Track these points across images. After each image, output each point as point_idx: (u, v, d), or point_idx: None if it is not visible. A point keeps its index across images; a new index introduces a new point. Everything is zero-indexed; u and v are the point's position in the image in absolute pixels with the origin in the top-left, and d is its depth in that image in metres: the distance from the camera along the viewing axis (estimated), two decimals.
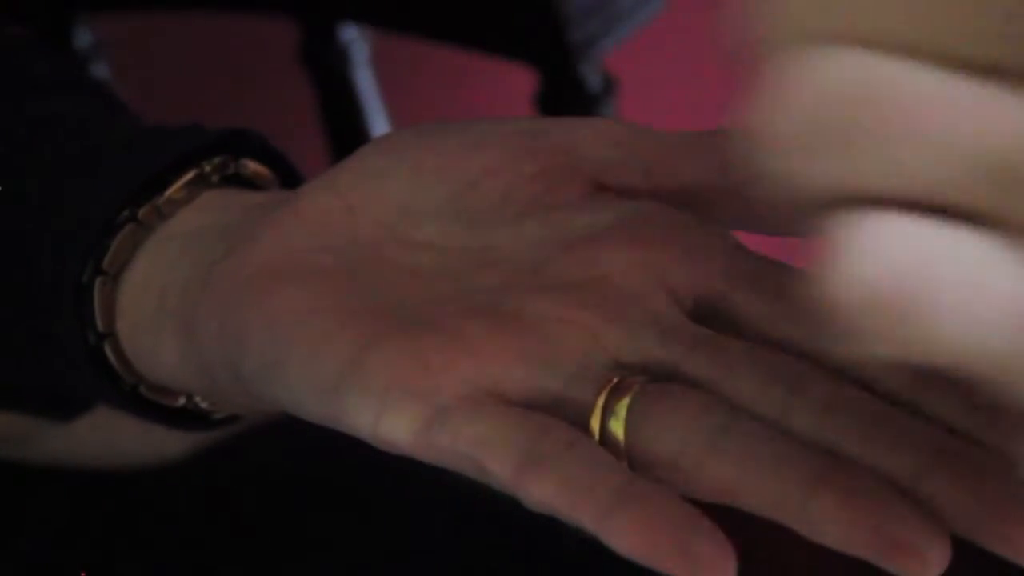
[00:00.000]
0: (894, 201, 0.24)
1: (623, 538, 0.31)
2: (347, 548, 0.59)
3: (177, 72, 0.97)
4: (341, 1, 0.75)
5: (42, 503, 0.59)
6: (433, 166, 0.38)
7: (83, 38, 0.81)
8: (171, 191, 0.41)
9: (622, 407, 0.34)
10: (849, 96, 0.23)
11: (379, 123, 0.78)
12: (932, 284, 0.23)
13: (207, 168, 0.42)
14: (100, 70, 0.81)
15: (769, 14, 0.25)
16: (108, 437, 0.51)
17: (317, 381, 0.35)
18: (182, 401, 0.42)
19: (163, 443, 0.54)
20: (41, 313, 0.41)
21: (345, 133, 0.79)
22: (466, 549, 0.59)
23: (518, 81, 0.76)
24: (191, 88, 0.97)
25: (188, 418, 0.42)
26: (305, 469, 0.61)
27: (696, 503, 0.32)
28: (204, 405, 0.42)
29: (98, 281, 0.40)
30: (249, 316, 0.36)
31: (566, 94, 0.71)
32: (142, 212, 0.40)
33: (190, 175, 0.41)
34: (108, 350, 0.40)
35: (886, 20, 0.24)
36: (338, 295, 0.36)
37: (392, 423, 0.34)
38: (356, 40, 0.78)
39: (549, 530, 0.60)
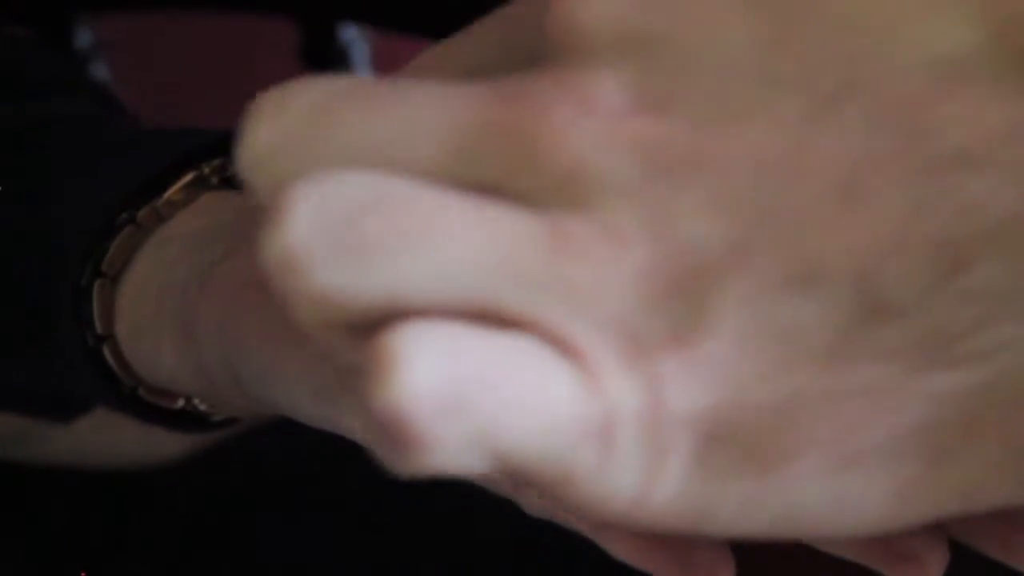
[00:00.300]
0: (435, 310, 0.24)
1: (620, 545, 0.31)
2: (347, 548, 0.59)
3: (177, 72, 0.97)
4: (341, 1, 0.75)
5: (42, 503, 0.59)
6: None
7: (83, 38, 0.80)
8: (170, 193, 0.41)
9: None
10: (361, 208, 0.24)
11: None
12: (480, 391, 0.24)
13: (206, 170, 0.42)
14: (100, 70, 0.81)
15: (271, 144, 0.25)
16: (108, 437, 0.51)
17: (314, 384, 0.35)
18: (181, 403, 0.42)
19: (163, 443, 0.54)
20: (40, 315, 0.41)
21: None
22: (466, 549, 0.59)
23: None
24: (191, 88, 0.97)
25: (187, 420, 0.42)
26: (305, 469, 0.61)
27: None
28: (203, 407, 0.42)
29: (97, 283, 0.40)
30: (246, 319, 0.36)
31: None
32: (141, 214, 0.40)
33: (189, 177, 0.41)
34: (107, 352, 0.40)
35: (384, 144, 0.25)
36: None
37: None
38: (356, 40, 0.78)
39: (549, 531, 0.60)
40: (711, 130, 0.25)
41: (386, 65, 0.79)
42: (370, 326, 0.24)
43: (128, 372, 0.41)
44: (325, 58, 0.77)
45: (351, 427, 0.34)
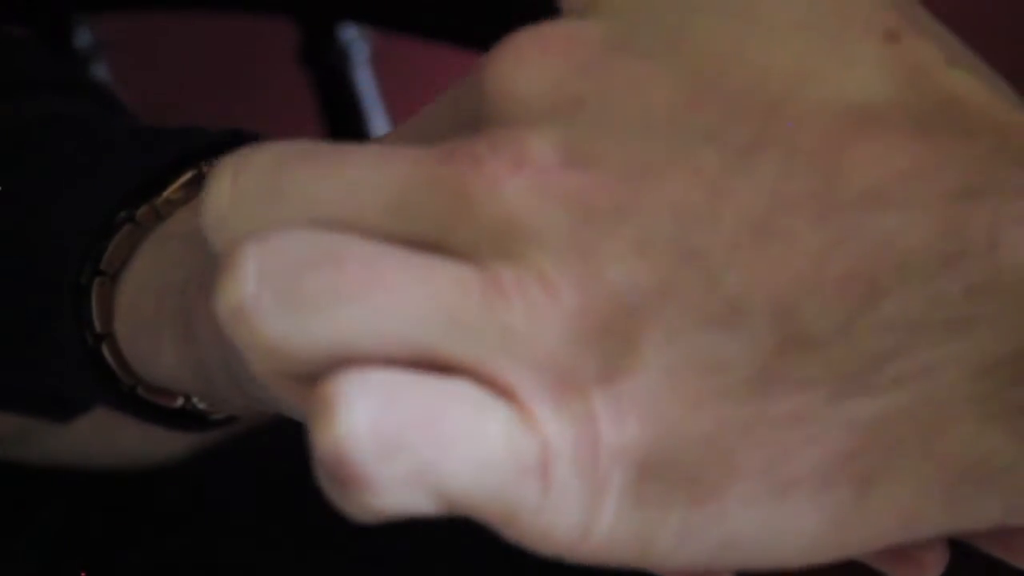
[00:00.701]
0: (376, 358, 0.26)
1: None
2: (347, 548, 0.59)
3: (177, 72, 0.97)
4: (341, 1, 0.75)
5: (42, 503, 0.59)
6: None
7: (83, 38, 0.80)
8: (169, 192, 0.41)
9: None
10: (302, 263, 0.26)
11: (379, 123, 0.78)
12: (417, 431, 0.25)
13: (205, 169, 0.42)
14: (100, 70, 0.81)
15: (221, 207, 0.27)
16: (108, 437, 0.51)
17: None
18: (180, 402, 0.42)
19: (162, 443, 0.54)
20: (39, 314, 0.41)
21: (345, 133, 0.79)
22: (467, 549, 0.59)
23: None
24: (191, 88, 0.97)
25: (186, 419, 0.42)
26: (305, 469, 0.61)
27: None
28: (202, 406, 0.42)
29: (96, 282, 0.40)
30: None
31: None
32: (140, 213, 0.40)
33: (188, 176, 0.41)
34: (106, 351, 0.40)
35: (330, 202, 0.27)
36: None
37: None
38: (356, 40, 0.78)
39: None
40: (633, 182, 0.26)
41: (386, 65, 0.79)
42: (317, 374, 0.26)
43: (127, 371, 0.41)
44: (325, 58, 0.78)
45: None
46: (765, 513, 0.27)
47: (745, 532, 0.27)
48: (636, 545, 0.27)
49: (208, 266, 0.39)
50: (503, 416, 0.26)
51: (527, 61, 0.27)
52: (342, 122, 0.79)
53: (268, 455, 0.61)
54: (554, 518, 0.26)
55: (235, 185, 0.27)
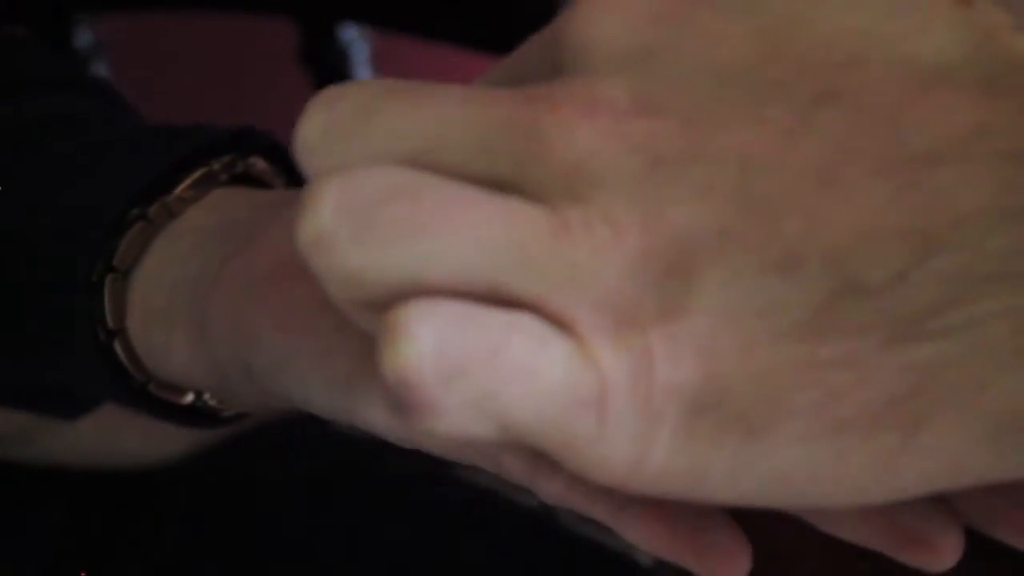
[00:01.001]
0: (446, 290, 0.27)
1: (638, 531, 0.32)
2: (347, 548, 0.59)
3: (177, 72, 0.97)
4: (341, 1, 0.75)
5: (42, 503, 0.59)
6: None
7: (83, 38, 0.80)
8: (180, 189, 0.41)
9: None
10: (381, 196, 0.27)
11: None
12: (480, 359, 0.26)
13: (215, 166, 0.42)
14: (100, 70, 0.81)
15: (312, 141, 0.29)
16: (110, 437, 0.51)
17: (328, 377, 0.35)
18: (191, 398, 0.42)
19: (164, 443, 0.54)
20: (51, 310, 0.41)
21: None
22: (467, 550, 0.59)
23: None
24: (191, 88, 0.97)
25: (197, 416, 0.42)
26: (305, 469, 0.61)
27: None
28: (213, 402, 0.42)
29: (108, 278, 0.40)
30: (260, 313, 0.36)
31: None
32: (152, 210, 0.41)
33: (199, 173, 0.41)
34: (118, 347, 0.40)
35: (414, 139, 0.28)
36: None
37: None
38: (356, 40, 0.78)
39: (547, 533, 0.60)
40: (701, 130, 0.27)
41: (386, 65, 0.79)
42: (390, 302, 0.27)
43: (139, 367, 0.41)
44: (325, 58, 0.78)
45: (365, 418, 0.35)
46: (814, 452, 0.27)
47: (795, 470, 0.27)
48: (688, 478, 0.28)
49: (250, 224, 0.40)
50: (564, 349, 0.27)
51: (605, 10, 0.28)
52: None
53: (268, 455, 0.61)
54: (609, 449, 0.27)
55: (327, 118, 0.28)
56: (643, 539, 0.32)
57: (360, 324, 0.29)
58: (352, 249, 0.27)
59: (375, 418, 0.35)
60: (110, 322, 0.40)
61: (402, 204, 0.27)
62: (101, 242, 0.40)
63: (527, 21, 0.71)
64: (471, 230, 0.27)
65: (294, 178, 0.44)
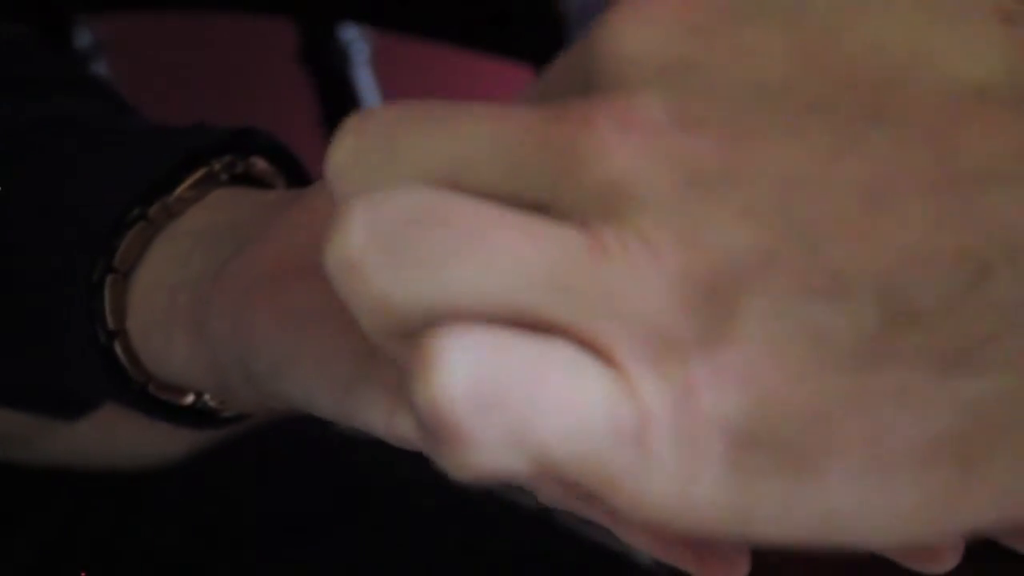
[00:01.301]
0: (478, 315, 0.26)
1: (638, 534, 0.31)
2: (347, 548, 0.59)
3: (177, 72, 0.97)
4: (341, 1, 0.75)
5: (42, 503, 0.59)
6: None
7: (83, 38, 0.80)
8: (181, 189, 0.41)
9: None
10: (412, 219, 0.26)
11: None
12: (515, 390, 0.25)
13: (216, 167, 0.42)
14: (100, 70, 0.81)
15: (340, 158, 0.28)
16: (109, 437, 0.51)
17: (329, 378, 0.35)
18: (191, 399, 0.42)
19: (164, 443, 0.54)
20: (52, 310, 0.41)
21: None
22: (467, 550, 0.59)
23: (518, 81, 0.76)
24: (191, 88, 0.97)
25: (197, 416, 0.42)
26: (305, 470, 0.61)
27: None
28: (213, 403, 0.42)
29: (109, 279, 0.40)
30: (260, 314, 0.36)
31: None
32: (152, 210, 0.41)
33: (199, 174, 0.41)
34: (118, 348, 0.40)
35: (446, 160, 0.27)
36: None
37: (405, 419, 0.34)
38: (356, 40, 0.78)
39: (548, 533, 0.60)
40: (742, 146, 0.26)
41: (386, 65, 0.79)
42: (422, 330, 0.26)
43: (139, 368, 0.41)
44: (325, 58, 0.78)
45: (366, 421, 0.35)
46: (866, 489, 0.26)
47: (845, 507, 0.26)
48: (734, 516, 0.26)
49: (251, 224, 0.39)
50: (601, 379, 0.26)
51: (639, 22, 0.27)
52: (342, 122, 0.79)
53: (268, 455, 0.61)
54: (651, 485, 0.26)
55: (356, 141, 0.28)
56: (643, 542, 0.31)
57: (390, 352, 0.28)
58: (382, 274, 0.26)
59: (376, 421, 0.35)
60: (110, 323, 0.40)
61: (433, 227, 0.26)
62: (101, 242, 0.40)
63: (527, 21, 0.71)
64: (504, 253, 0.26)
65: (295, 178, 0.44)
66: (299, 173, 0.44)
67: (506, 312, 0.26)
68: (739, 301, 0.26)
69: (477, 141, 0.27)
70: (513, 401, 0.25)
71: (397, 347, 0.27)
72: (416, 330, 0.26)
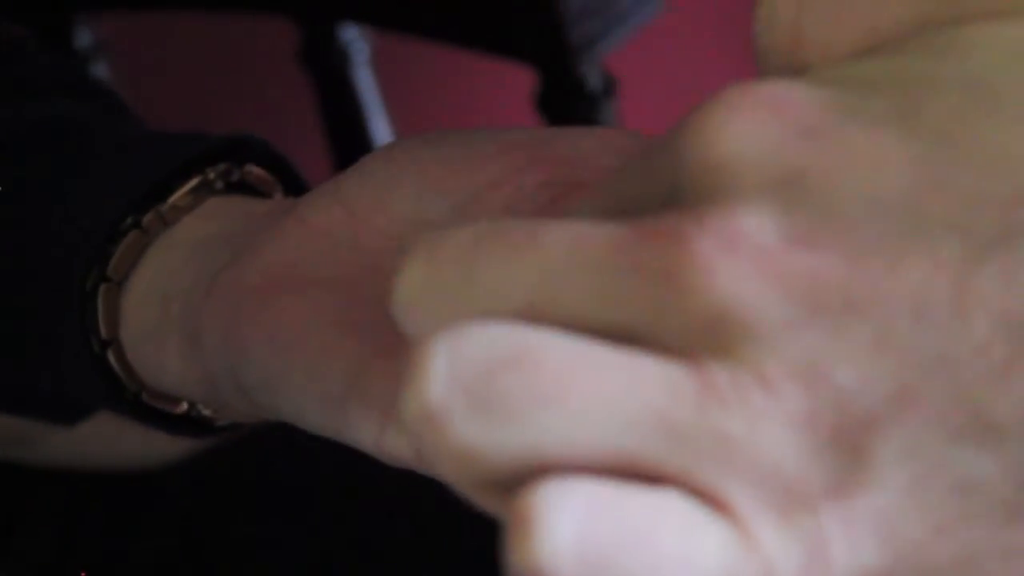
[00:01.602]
0: (578, 466, 0.23)
1: None
2: (348, 547, 0.59)
3: (177, 72, 0.97)
4: (341, 1, 0.75)
5: (42, 503, 0.59)
6: (438, 176, 0.37)
7: (83, 38, 0.80)
8: (175, 198, 0.41)
9: None
10: (497, 363, 0.23)
11: (379, 123, 0.78)
12: (624, 552, 0.23)
13: (211, 175, 0.42)
14: (100, 70, 0.81)
15: (408, 299, 0.25)
16: (110, 440, 0.51)
17: (319, 393, 0.35)
18: (184, 408, 0.42)
19: (164, 445, 0.54)
20: (45, 318, 0.41)
21: (345, 133, 0.79)
22: (467, 550, 0.59)
23: (518, 81, 0.76)
24: (191, 88, 0.97)
25: (190, 425, 0.42)
26: (305, 470, 0.61)
27: None
28: (206, 413, 0.42)
29: (102, 288, 0.40)
30: (251, 327, 0.36)
31: (566, 94, 0.71)
32: (146, 219, 0.40)
33: (194, 182, 0.41)
34: (111, 357, 0.40)
35: (525, 289, 0.24)
36: (341, 306, 0.36)
37: (395, 436, 0.34)
38: (356, 40, 0.78)
39: None
40: (865, 271, 0.23)
41: (386, 65, 0.79)
42: (514, 481, 0.24)
43: (132, 377, 0.41)
44: (325, 58, 0.78)
45: (356, 437, 0.35)
46: None
47: None
48: None
49: (245, 234, 0.38)
50: (719, 534, 0.23)
51: (737, 124, 0.24)
52: (342, 122, 0.79)
53: (268, 455, 0.61)
54: None
55: (428, 270, 0.25)
56: None
57: (481, 503, 0.25)
58: (468, 426, 0.23)
59: (365, 438, 0.34)
60: (103, 332, 0.40)
61: (521, 371, 0.23)
62: (95, 251, 0.40)
63: (527, 21, 0.71)
64: (602, 398, 0.23)
65: (292, 186, 0.44)
66: (296, 181, 0.44)
67: (608, 461, 0.23)
68: (872, 444, 0.23)
69: (560, 266, 0.24)
70: (622, 563, 0.23)
71: (488, 498, 0.24)
72: (509, 481, 0.24)
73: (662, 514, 0.23)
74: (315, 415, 0.35)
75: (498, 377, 0.23)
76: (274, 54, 0.81)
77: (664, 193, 0.26)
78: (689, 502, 0.23)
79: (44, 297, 0.41)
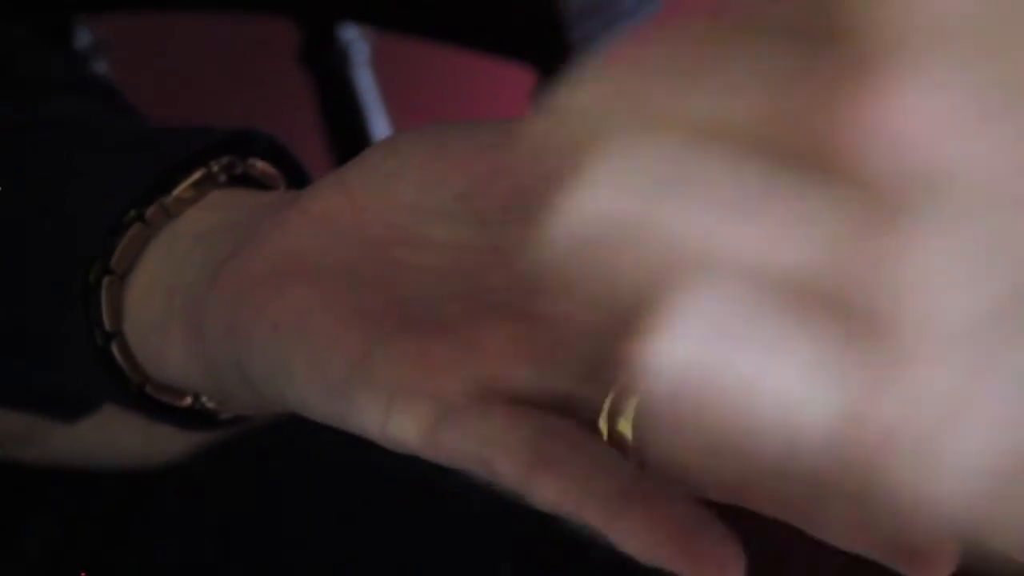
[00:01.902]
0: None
1: (629, 538, 0.31)
2: (348, 548, 0.59)
3: (177, 72, 0.97)
4: (341, 1, 0.75)
5: (42, 503, 0.59)
6: (441, 166, 0.38)
7: (83, 38, 0.80)
8: (179, 191, 0.41)
9: (630, 407, 0.34)
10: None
11: (379, 123, 0.78)
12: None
13: (215, 168, 0.42)
14: (100, 70, 0.81)
15: None
16: (110, 437, 0.51)
17: (324, 382, 0.35)
18: (189, 400, 0.42)
19: (165, 443, 0.54)
20: (49, 312, 0.41)
21: (345, 133, 0.79)
22: (467, 549, 0.59)
23: (518, 81, 0.76)
24: (191, 88, 0.97)
25: (195, 418, 0.42)
26: (305, 469, 0.61)
27: (708, 503, 0.32)
28: (211, 405, 0.42)
29: (106, 280, 0.40)
30: (256, 317, 0.36)
31: None
32: (149, 212, 0.41)
33: (198, 175, 0.41)
34: (115, 350, 0.40)
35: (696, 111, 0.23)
36: (345, 295, 0.36)
37: (400, 423, 0.34)
38: (356, 40, 0.78)
39: (544, 535, 0.60)
40: None
41: (386, 65, 0.79)
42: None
43: (136, 369, 0.41)
44: (325, 58, 0.78)
45: (361, 424, 0.35)
46: None
47: None
48: None
49: (248, 226, 0.38)
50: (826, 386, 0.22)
51: None
52: (342, 122, 0.79)
53: (268, 455, 0.61)
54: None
55: (592, 85, 0.24)
56: (636, 548, 0.31)
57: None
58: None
59: (370, 424, 0.35)
60: (107, 324, 0.40)
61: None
62: (98, 244, 0.40)
63: (527, 21, 0.71)
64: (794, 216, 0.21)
65: (295, 179, 0.44)
66: (300, 174, 0.44)
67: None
68: None
69: (732, 86, 0.22)
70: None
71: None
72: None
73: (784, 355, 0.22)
74: (320, 403, 0.35)
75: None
76: (274, 54, 0.81)
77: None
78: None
79: (48, 290, 0.41)
